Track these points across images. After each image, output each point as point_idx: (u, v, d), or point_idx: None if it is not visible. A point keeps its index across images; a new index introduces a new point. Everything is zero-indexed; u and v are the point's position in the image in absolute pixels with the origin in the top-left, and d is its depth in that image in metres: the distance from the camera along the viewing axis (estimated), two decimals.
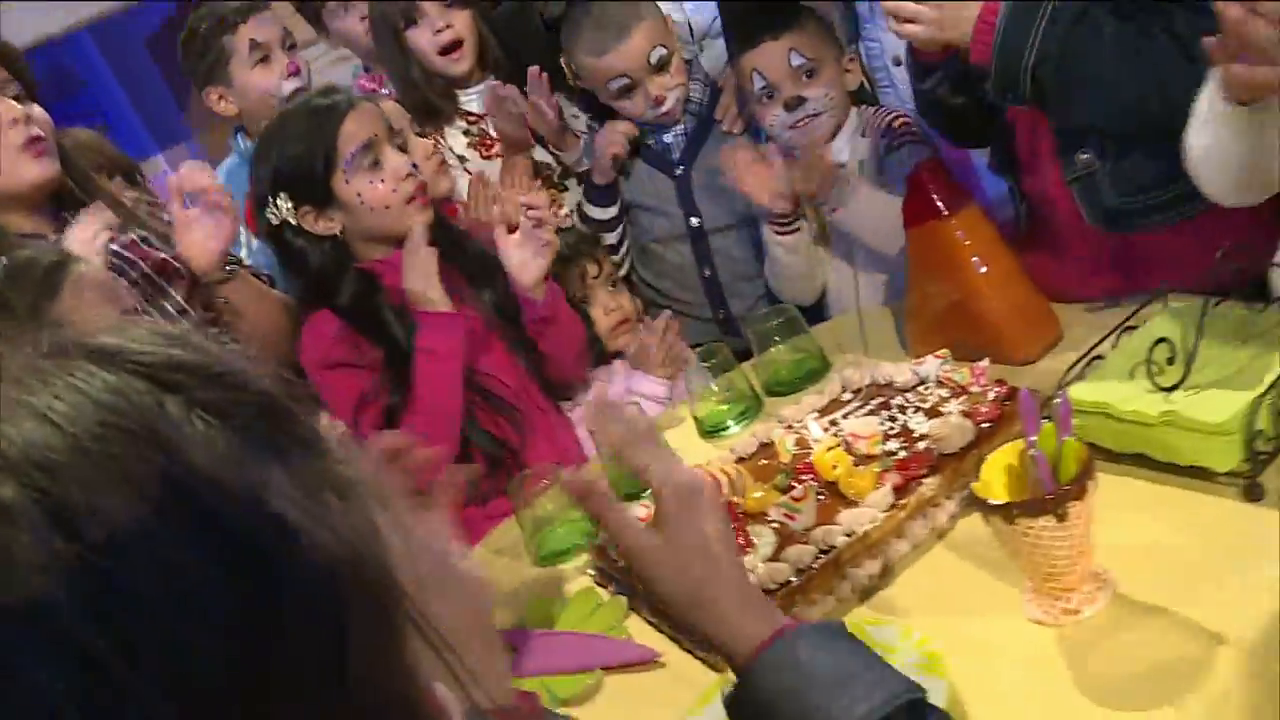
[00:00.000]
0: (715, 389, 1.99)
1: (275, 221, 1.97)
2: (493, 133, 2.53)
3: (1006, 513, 1.17)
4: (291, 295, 2.07)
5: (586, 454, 2.00)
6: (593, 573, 1.71)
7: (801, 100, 2.19)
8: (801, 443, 1.67)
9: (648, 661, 1.47)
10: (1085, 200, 1.70)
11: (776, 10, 2.23)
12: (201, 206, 1.96)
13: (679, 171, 2.41)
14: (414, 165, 2.04)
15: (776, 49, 2.19)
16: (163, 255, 1.99)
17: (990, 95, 1.66)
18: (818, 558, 1.41)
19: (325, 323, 1.99)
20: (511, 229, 2.05)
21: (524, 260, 2.05)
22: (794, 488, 1.55)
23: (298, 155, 1.94)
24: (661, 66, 2.34)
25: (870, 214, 2.12)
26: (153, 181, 2.78)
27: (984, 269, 1.71)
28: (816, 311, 2.34)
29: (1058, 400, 1.23)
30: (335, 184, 1.95)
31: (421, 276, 1.96)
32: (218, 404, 0.48)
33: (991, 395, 1.55)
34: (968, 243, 1.72)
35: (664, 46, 2.33)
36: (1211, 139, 1.37)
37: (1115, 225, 1.70)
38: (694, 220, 2.39)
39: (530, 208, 2.03)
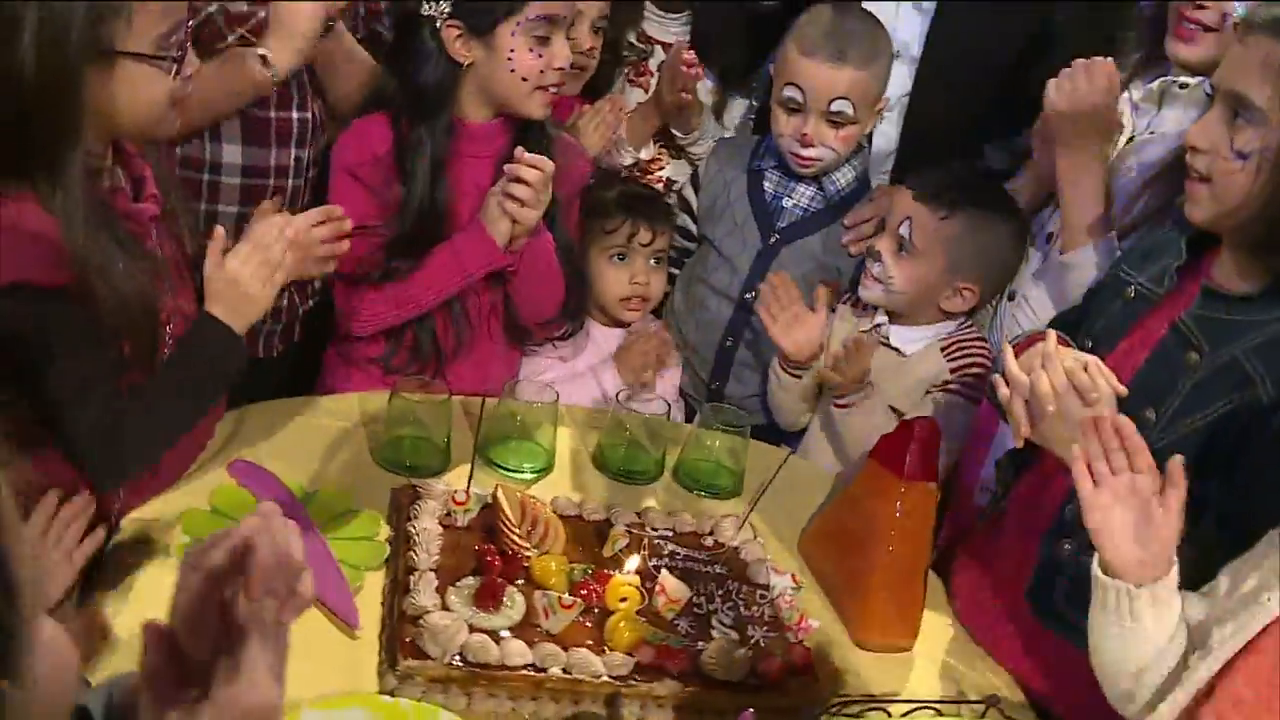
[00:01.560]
0: (631, 431, 1.98)
1: (424, 12, 1.93)
2: (651, 64, 2.45)
3: None
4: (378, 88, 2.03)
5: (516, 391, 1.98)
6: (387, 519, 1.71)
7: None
8: (631, 545, 1.65)
9: (346, 623, 1.48)
10: (1039, 579, 1.61)
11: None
12: None
13: (773, 240, 2.30)
14: (570, 65, 2.01)
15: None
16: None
17: None
18: (528, 666, 1.40)
19: (377, 129, 1.97)
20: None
21: (494, 217, 1.95)
22: (580, 589, 1.54)
23: None
24: (837, 118, 2.18)
25: (864, 426, 2.05)
26: None
27: (893, 549, 1.65)
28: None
29: None
30: (502, 29, 1.91)
31: (505, 210, 1.92)
32: None
33: (789, 654, 1.51)
34: (898, 515, 1.65)
35: (851, 105, 2.16)
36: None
37: (1044, 619, 1.62)
38: (750, 294, 2.29)
39: (519, 173, 1.88)
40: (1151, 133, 2.00)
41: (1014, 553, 1.70)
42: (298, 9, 1.85)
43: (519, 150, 1.89)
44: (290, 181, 2.02)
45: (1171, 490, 1.30)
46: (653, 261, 2.31)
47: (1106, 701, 1.36)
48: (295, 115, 2.00)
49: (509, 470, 1.90)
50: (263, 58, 1.83)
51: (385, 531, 1.67)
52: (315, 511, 1.66)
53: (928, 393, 2.08)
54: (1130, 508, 1.32)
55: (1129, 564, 1.31)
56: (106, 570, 1.50)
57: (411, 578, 1.49)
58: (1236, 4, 1.81)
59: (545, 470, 1.94)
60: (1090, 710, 1.45)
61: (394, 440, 1.86)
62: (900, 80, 2.31)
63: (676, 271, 2.49)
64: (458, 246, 1.97)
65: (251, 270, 1.55)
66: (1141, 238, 1.81)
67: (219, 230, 1.57)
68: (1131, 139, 2.02)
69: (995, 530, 1.80)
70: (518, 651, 1.40)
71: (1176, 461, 1.30)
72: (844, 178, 2.30)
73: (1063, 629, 1.58)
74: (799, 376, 2.15)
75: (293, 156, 2.02)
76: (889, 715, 1.46)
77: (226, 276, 1.54)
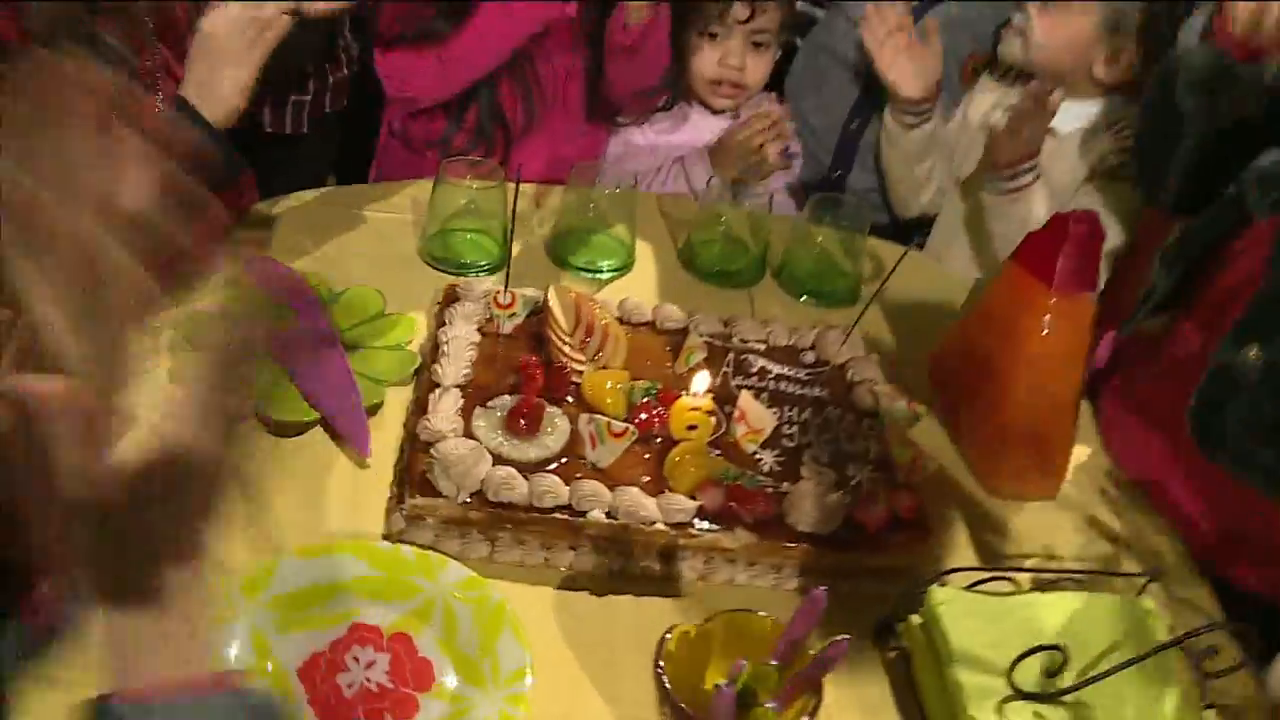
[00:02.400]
0: (727, 223, 1.66)
1: None
2: None
3: None
4: None
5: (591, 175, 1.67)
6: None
7: None
8: (709, 363, 1.36)
9: (359, 451, 1.24)
10: (1201, 404, 1.25)
11: None
12: None
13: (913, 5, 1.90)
14: None
15: None
16: None
17: None
18: (563, 509, 1.14)
19: None
20: None
21: None
22: (639, 412, 1.25)
23: None
24: None
25: (1015, 219, 1.68)
26: None
27: (1038, 376, 1.31)
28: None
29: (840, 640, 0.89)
30: None
31: None
32: None
33: (897, 502, 1.21)
34: (1047, 334, 1.30)
35: None
36: None
37: (1211, 447, 1.27)
38: None
39: None
40: None
41: (1181, 371, 1.34)
42: None
43: None
44: None
45: None
46: (753, 43, 1.93)
47: None
48: None
49: (580, 269, 1.62)
50: None
51: (420, 337, 1.42)
52: (340, 314, 1.41)
53: (1087, 179, 1.69)
54: None
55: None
56: None
57: (432, 396, 1.23)
58: None
59: (623, 269, 1.64)
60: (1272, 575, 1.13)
61: (442, 234, 1.59)
62: None
63: (801, 41, 2.11)
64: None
65: (235, 23, 1.26)
66: None
67: None
68: None
69: (1157, 343, 1.44)
70: (551, 489, 1.13)
71: None
72: None
73: (1235, 460, 1.23)
74: (913, 125, 1.78)
75: None
76: (1016, 585, 1.15)
77: (206, 30, 1.26)
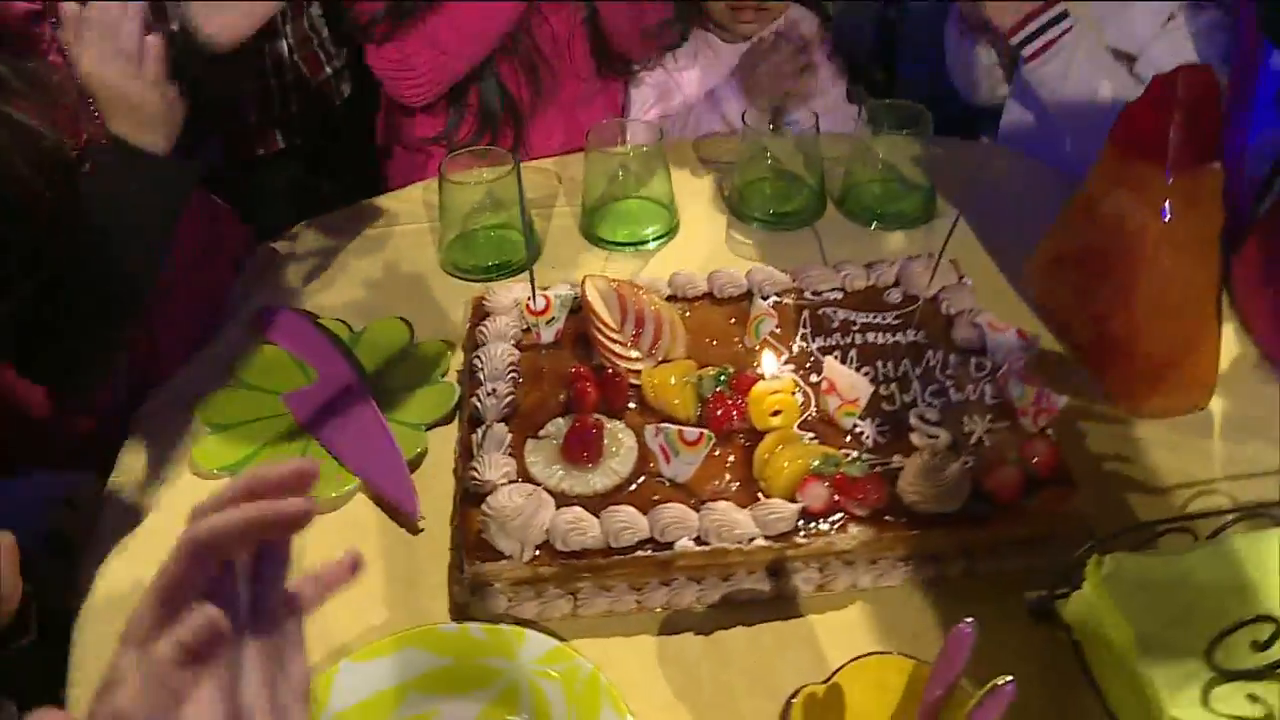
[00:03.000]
0: (775, 158, 1.47)
1: None
2: None
3: None
4: None
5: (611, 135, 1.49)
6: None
7: None
8: (784, 329, 1.19)
9: (407, 514, 1.09)
10: None
11: None
12: None
13: None
14: None
15: None
16: None
17: None
18: (646, 544, 0.98)
19: None
20: None
21: None
22: (714, 409, 1.09)
23: None
24: None
25: (1077, 82, 1.45)
26: None
27: (1168, 266, 1.11)
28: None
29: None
30: None
31: None
32: None
33: (1028, 455, 1.03)
34: (1171, 219, 1.10)
35: None
36: None
37: None
38: None
39: None
40: None
41: None
42: None
43: None
44: None
45: None
46: None
47: None
48: None
49: (621, 244, 1.45)
50: None
51: (456, 363, 1.27)
52: (365, 354, 1.26)
53: (1170, 19, 1.46)
54: None
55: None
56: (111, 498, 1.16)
57: (475, 435, 1.08)
58: None
59: (670, 233, 1.47)
60: None
61: (462, 237, 1.43)
62: None
63: None
64: None
65: (111, 68, 1.10)
66: None
67: (70, 6, 1.12)
68: None
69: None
70: (628, 523, 0.98)
71: None
72: None
73: None
74: None
75: None
76: (1195, 536, 0.96)
77: (92, 83, 1.11)
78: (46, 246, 1.07)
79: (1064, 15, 1.50)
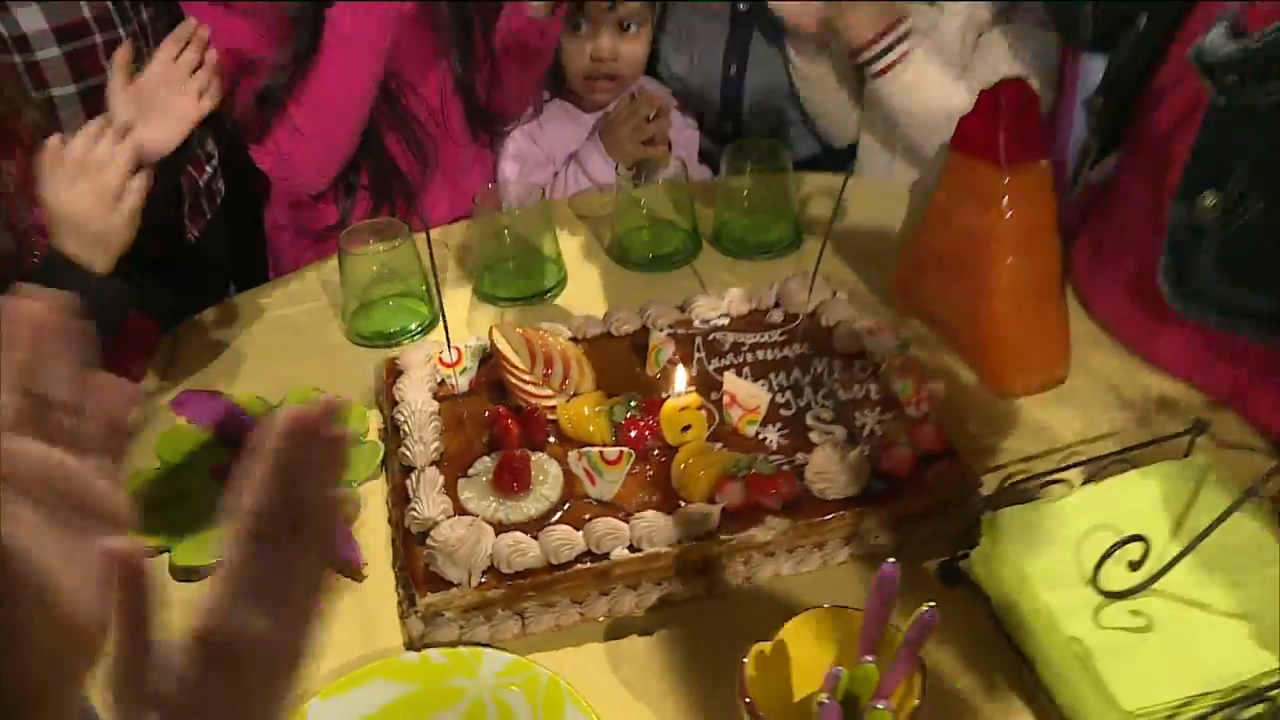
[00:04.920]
0: (648, 206, 1.58)
1: None
2: None
3: None
4: None
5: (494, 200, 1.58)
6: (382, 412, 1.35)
7: None
8: (680, 356, 1.28)
9: (351, 564, 1.14)
10: (1173, 255, 1.19)
11: None
12: None
13: None
14: None
15: None
16: None
17: None
18: (584, 557, 1.06)
19: None
20: None
21: None
22: (627, 431, 1.17)
23: None
24: None
25: (921, 101, 1.61)
26: None
27: (1013, 259, 1.25)
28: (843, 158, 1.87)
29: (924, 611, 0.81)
30: None
31: None
32: None
33: (917, 437, 1.14)
34: (1010, 216, 1.24)
35: None
36: None
37: (1190, 309, 1.21)
38: (743, 4, 1.83)
39: None
40: None
41: (1137, 223, 1.29)
42: None
43: None
44: (121, 30, 1.57)
45: None
46: (630, 27, 1.83)
47: None
48: None
49: (514, 300, 1.53)
50: None
51: (375, 424, 1.32)
52: None
53: (980, 35, 1.63)
54: None
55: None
56: None
57: (409, 480, 1.14)
58: None
59: (559, 286, 1.56)
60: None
61: (363, 308, 1.49)
62: None
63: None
64: (340, 23, 1.52)
65: (86, 202, 1.16)
66: None
67: (52, 141, 1.19)
68: None
69: (1112, 201, 1.38)
70: (564, 541, 1.05)
71: None
72: None
73: (1221, 314, 1.18)
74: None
75: None
76: (1070, 485, 1.08)
77: (60, 211, 1.16)
78: None
79: (909, 32, 1.66)
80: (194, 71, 1.28)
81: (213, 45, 1.33)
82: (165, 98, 1.26)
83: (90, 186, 1.16)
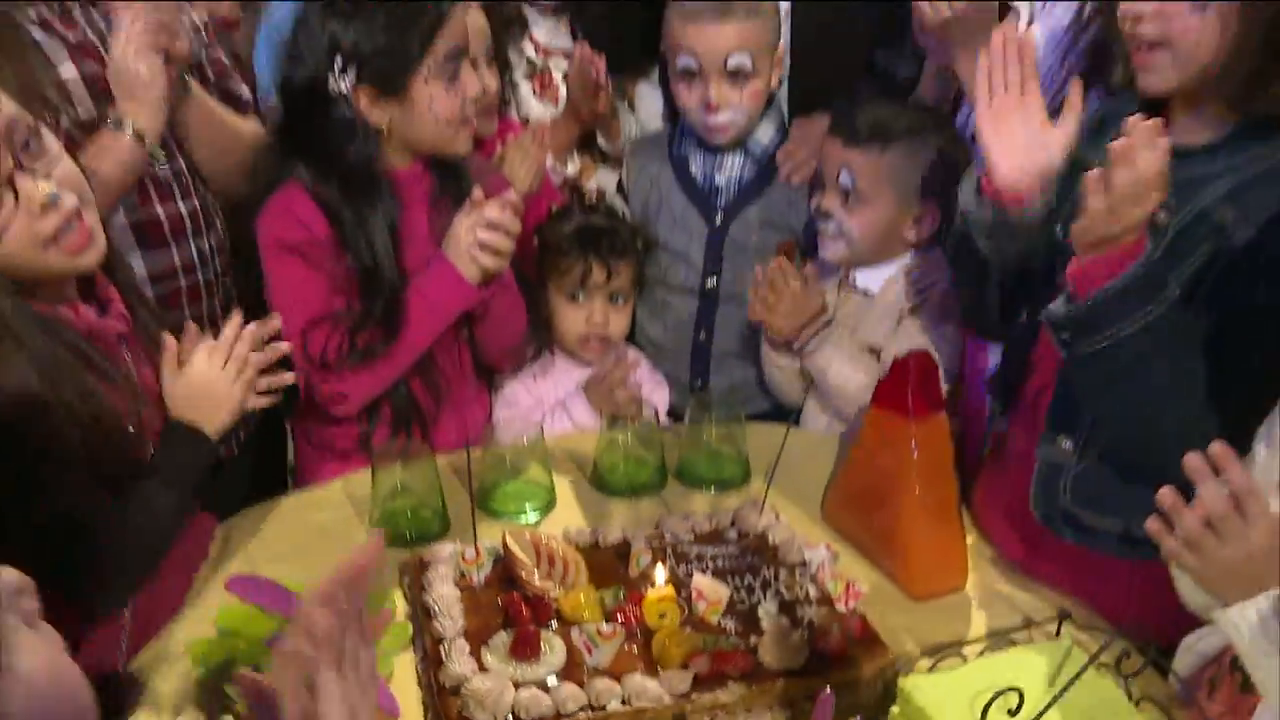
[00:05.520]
0: (625, 445, 1.92)
1: (335, 92, 1.82)
2: (555, 75, 2.37)
3: None
4: (280, 161, 1.93)
5: (496, 434, 1.91)
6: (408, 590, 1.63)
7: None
8: (655, 558, 1.58)
9: (390, 715, 1.39)
10: (1040, 486, 1.56)
11: None
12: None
13: (718, 221, 2.24)
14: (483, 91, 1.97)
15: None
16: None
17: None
18: (586, 708, 1.33)
19: (302, 206, 1.86)
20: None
21: (465, 260, 1.89)
22: (616, 615, 1.46)
23: (388, 39, 1.80)
24: (737, 75, 2.12)
25: (849, 374, 2.02)
26: None
27: (920, 491, 1.59)
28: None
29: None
30: (415, 81, 1.83)
31: (478, 254, 1.87)
32: None
33: (846, 626, 1.44)
34: (917, 456, 1.59)
35: (749, 58, 2.11)
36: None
37: (1056, 528, 1.58)
38: (711, 280, 2.23)
39: (489, 214, 1.86)
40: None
41: (1020, 469, 1.65)
42: (132, 72, 1.76)
43: (476, 193, 1.86)
44: (200, 275, 1.95)
45: (1069, 113, 1.49)
46: (618, 300, 2.22)
47: (1143, 604, 1.33)
48: (182, 207, 1.92)
49: (511, 515, 1.83)
50: (126, 128, 1.75)
51: (401, 609, 1.59)
52: None
53: (900, 321, 2.04)
54: (1020, 122, 1.50)
55: (1012, 172, 1.51)
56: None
57: (441, 648, 1.41)
58: None
59: (548, 507, 1.87)
60: (1136, 617, 1.42)
61: (388, 514, 1.79)
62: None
63: None
64: (431, 297, 1.90)
65: (219, 372, 1.53)
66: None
67: (169, 340, 1.53)
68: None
69: (1002, 452, 1.75)
70: (571, 695, 1.32)
71: (1076, 83, 1.48)
72: (765, 135, 2.25)
73: (1077, 533, 1.54)
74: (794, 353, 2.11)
75: (194, 250, 1.95)
76: (965, 659, 1.39)
77: (191, 380, 1.50)
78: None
79: (829, 321, 2.06)
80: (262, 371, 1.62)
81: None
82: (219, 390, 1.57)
83: (223, 356, 1.55)
